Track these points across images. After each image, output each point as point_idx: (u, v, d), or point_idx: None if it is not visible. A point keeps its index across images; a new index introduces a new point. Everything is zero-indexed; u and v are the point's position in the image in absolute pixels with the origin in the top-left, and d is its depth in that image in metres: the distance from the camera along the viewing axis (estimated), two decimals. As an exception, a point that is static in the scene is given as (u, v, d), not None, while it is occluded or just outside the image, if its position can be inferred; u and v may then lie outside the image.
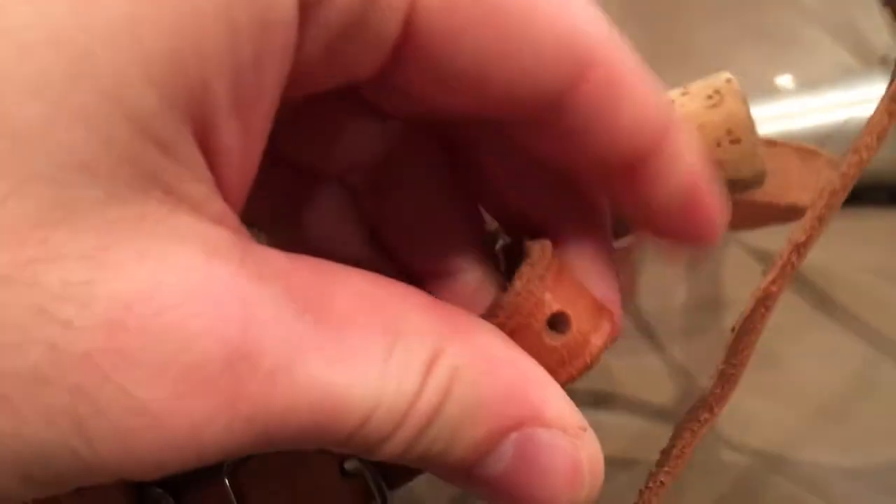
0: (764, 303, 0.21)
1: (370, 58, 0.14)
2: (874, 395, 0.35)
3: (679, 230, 0.18)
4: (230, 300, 0.12)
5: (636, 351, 0.36)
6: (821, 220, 0.21)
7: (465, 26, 0.14)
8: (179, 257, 0.12)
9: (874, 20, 0.43)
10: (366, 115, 0.18)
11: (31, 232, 0.11)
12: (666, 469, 0.20)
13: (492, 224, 0.21)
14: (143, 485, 0.21)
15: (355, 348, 0.14)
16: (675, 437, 0.20)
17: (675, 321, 0.38)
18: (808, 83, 0.45)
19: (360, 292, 0.14)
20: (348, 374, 0.13)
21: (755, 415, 0.34)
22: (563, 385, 0.16)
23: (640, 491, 0.20)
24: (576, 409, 0.16)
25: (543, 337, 0.17)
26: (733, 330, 0.21)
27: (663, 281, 0.39)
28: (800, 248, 0.21)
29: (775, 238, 0.23)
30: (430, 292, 0.17)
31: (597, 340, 0.17)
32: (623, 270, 0.20)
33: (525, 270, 0.17)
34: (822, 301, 0.38)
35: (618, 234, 0.20)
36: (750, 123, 0.22)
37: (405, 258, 0.20)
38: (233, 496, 0.21)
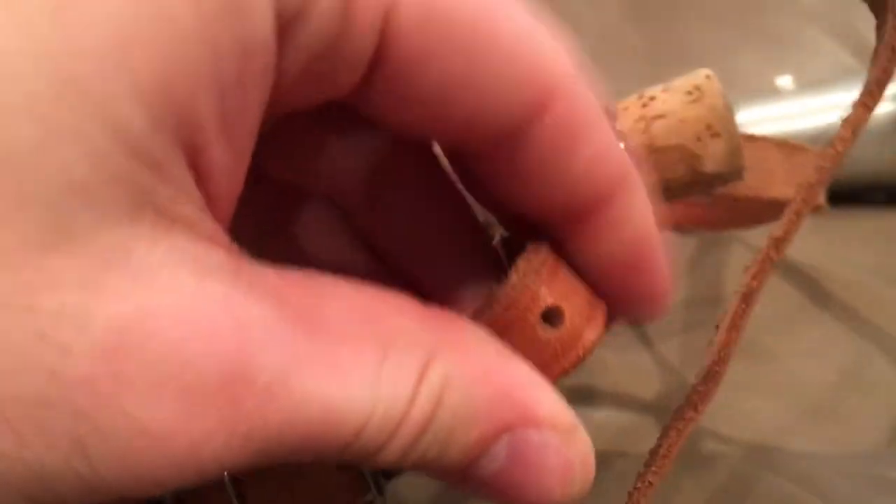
0: (745, 298, 0.21)
1: (346, 77, 0.15)
2: (867, 391, 0.35)
3: (623, 292, 0.18)
4: (224, 320, 0.13)
5: (626, 347, 0.36)
6: (798, 215, 0.21)
7: (433, 49, 0.14)
8: (174, 279, 0.12)
9: (874, 20, 0.43)
10: (348, 128, 0.19)
11: (27, 256, 0.11)
12: (653, 469, 0.20)
13: (487, 215, 0.21)
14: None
15: (348, 360, 0.14)
16: (662, 437, 0.21)
17: (676, 318, 0.38)
18: (808, 83, 0.45)
19: (350, 303, 0.14)
20: (342, 387, 0.13)
21: (749, 410, 0.34)
22: (556, 378, 0.17)
23: (629, 493, 0.20)
24: (567, 407, 0.16)
25: (538, 330, 0.17)
26: (717, 327, 0.21)
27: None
28: (778, 243, 0.21)
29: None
30: (427, 295, 0.18)
31: (590, 335, 0.18)
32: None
33: (521, 265, 0.17)
34: (819, 299, 0.38)
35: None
36: (730, 118, 0.23)
37: (402, 264, 0.20)
38: (232, 490, 0.21)
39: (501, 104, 0.15)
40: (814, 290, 0.39)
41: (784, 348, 0.36)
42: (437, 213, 0.20)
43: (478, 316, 0.17)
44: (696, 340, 0.37)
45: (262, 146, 0.15)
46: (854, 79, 0.43)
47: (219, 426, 0.12)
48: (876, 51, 0.21)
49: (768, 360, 0.36)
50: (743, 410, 0.34)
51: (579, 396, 0.35)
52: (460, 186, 0.20)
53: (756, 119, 0.43)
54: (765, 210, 0.27)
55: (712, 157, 0.23)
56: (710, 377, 0.21)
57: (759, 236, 0.39)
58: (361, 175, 0.19)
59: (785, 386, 0.35)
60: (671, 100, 0.23)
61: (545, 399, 0.16)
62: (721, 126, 0.23)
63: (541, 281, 0.17)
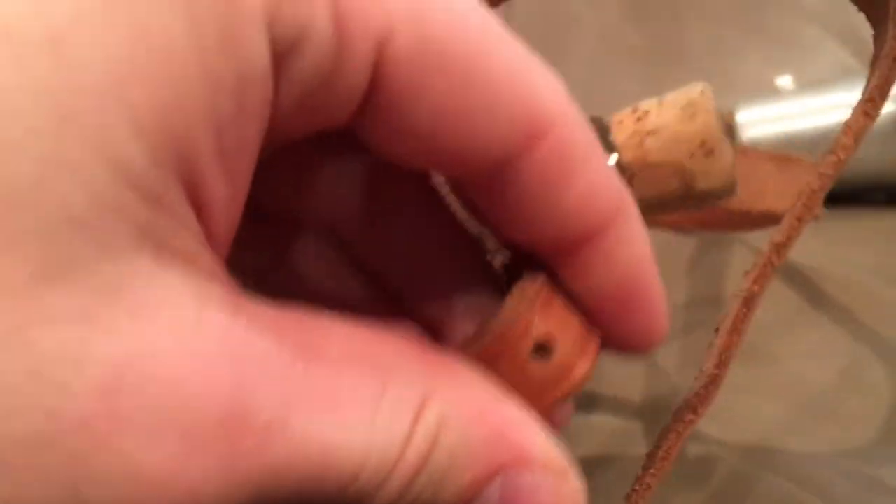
0: (746, 303, 0.21)
1: (341, 109, 0.15)
2: (867, 392, 0.35)
3: (616, 325, 0.17)
4: (223, 358, 0.12)
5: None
6: (800, 220, 0.21)
7: (426, 82, 0.14)
8: (172, 316, 0.12)
9: (874, 21, 0.43)
10: (344, 154, 0.18)
11: (24, 292, 0.11)
12: (652, 471, 0.20)
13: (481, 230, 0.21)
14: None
15: (345, 399, 0.14)
16: (661, 440, 0.21)
17: (676, 319, 0.38)
18: (808, 83, 0.45)
19: (347, 341, 0.14)
20: (340, 426, 0.13)
21: (749, 411, 0.34)
22: (547, 409, 0.17)
23: (627, 495, 0.20)
24: (559, 447, 0.16)
25: (529, 361, 0.17)
26: (717, 330, 0.22)
27: (663, 279, 0.39)
28: (779, 248, 0.21)
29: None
30: (426, 319, 0.17)
31: (581, 368, 0.17)
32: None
33: (515, 294, 0.17)
34: (818, 301, 0.39)
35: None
36: (722, 136, 0.23)
37: (400, 290, 0.20)
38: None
39: (493, 138, 0.15)
40: (813, 291, 0.39)
41: (784, 350, 0.36)
42: (435, 237, 0.20)
43: (471, 343, 0.17)
44: (696, 341, 0.37)
45: (258, 177, 0.14)
46: (854, 79, 0.43)
47: (217, 468, 0.12)
48: (875, 58, 0.22)
49: (768, 362, 0.36)
50: (743, 411, 0.34)
51: (577, 398, 0.35)
52: (459, 210, 0.20)
53: (756, 119, 0.43)
54: (755, 220, 0.27)
55: (705, 175, 0.23)
56: (711, 380, 0.21)
57: (759, 237, 0.40)
58: (358, 201, 0.19)
59: (785, 387, 0.36)
60: (665, 115, 0.23)
61: (538, 440, 0.16)
62: (714, 143, 0.23)
63: (534, 311, 0.17)
